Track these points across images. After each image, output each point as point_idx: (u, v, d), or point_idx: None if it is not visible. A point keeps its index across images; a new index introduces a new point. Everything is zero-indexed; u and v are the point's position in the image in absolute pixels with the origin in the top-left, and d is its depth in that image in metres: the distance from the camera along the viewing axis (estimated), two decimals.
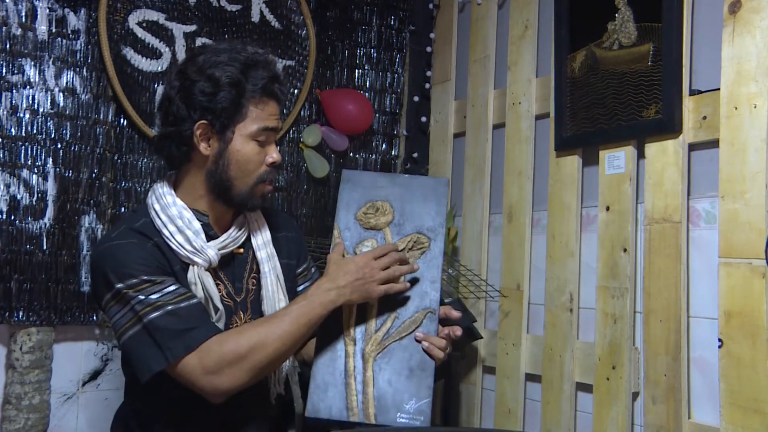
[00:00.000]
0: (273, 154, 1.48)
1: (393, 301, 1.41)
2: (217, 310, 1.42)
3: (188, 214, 1.45)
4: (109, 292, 1.37)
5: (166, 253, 1.42)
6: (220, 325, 1.43)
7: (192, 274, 1.42)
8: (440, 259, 1.43)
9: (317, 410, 1.35)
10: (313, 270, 1.71)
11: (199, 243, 1.43)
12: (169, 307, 1.34)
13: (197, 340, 1.33)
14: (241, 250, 1.53)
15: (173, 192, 1.48)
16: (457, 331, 1.41)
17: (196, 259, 1.42)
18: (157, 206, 1.45)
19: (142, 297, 1.34)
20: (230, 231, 1.50)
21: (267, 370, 1.38)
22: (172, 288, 1.37)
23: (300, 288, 1.66)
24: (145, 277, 1.36)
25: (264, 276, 1.53)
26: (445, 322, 1.44)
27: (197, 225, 1.45)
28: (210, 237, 1.47)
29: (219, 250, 1.46)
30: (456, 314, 1.45)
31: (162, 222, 1.43)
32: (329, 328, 1.41)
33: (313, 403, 1.35)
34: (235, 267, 1.52)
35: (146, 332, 1.33)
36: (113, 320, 1.38)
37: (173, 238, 1.42)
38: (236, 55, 1.44)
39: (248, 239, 1.54)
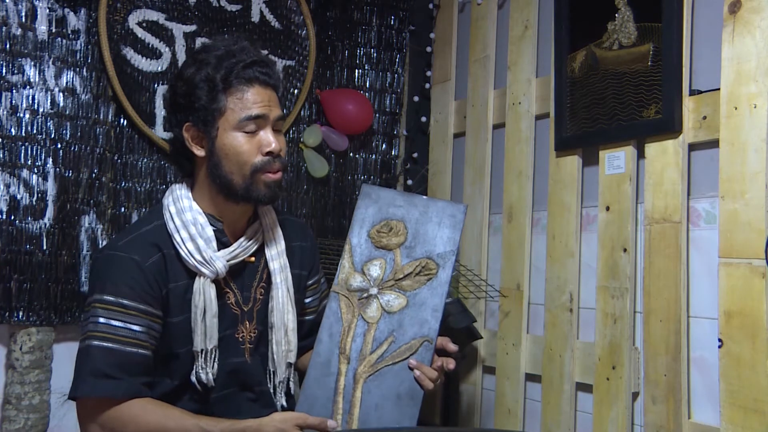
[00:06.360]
0: (267, 142, 1.41)
1: (392, 325, 1.40)
2: (206, 325, 1.42)
3: (202, 219, 1.44)
4: (90, 297, 1.40)
5: (171, 265, 1.42)
6: (214, 340, 1.42)
7: (198, 284, 1.42)
8: (446, 288, 1.40)
9: None
10: (322, 281, 1.70)
11: (209, 253, 1.41)
12: (113, 345, 1.33)
13: (108, 391, 1.32)
14: (253, 259, 1.51)
15: (191, 195, 1.47)
16: (450, 364, 1.39)
17: (203, 270, 1.41)
18: (172, 208, 1.44)
19: (102, 320, 1.35)
20: (241, 240, 1.48)
21: None
22: (135, 328, 1.36)
23: (308, 300, 1.65)
24: (123, 301, 1.36)
25: (275, 287, 1.51)
26: (440, 352, 1.42)
27: (210, 232, 1.43)
28: (222, 244, 1.45)
29: (228, 260, 1.44)
30: (452, 347, 1.42)
31: (175, 226, 1.42)
32: (326, 343, 1.40)
33: None
34: (245, 275, 1.51)
35: (80, 353, 1.36)
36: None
37: (183, 245, 1.41)
38: (214, 52, 1.42)
39: (261, 248, 1.52)
